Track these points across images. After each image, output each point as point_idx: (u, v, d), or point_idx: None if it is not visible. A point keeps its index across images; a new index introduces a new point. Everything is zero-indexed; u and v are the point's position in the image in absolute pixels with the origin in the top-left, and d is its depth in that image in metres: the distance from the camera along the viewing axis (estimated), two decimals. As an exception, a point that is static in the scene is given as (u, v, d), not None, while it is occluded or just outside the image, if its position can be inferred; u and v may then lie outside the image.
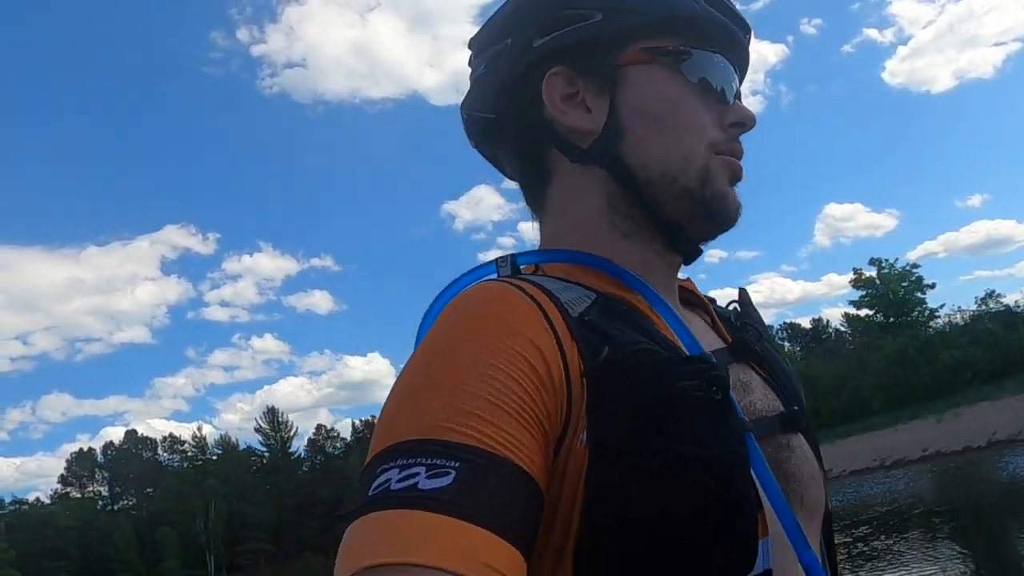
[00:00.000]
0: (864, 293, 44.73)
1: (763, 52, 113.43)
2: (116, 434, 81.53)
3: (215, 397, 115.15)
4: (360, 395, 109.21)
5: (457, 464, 0.51)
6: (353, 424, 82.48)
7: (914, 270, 44.11)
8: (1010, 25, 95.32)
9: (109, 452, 77.68)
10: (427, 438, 0.53)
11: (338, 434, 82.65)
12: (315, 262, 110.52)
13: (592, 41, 0.75)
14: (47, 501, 74.11)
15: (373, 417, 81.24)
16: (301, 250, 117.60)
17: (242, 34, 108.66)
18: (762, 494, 0.62)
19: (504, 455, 0.53)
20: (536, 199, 0.82)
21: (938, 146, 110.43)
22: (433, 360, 0.59)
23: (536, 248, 0.81)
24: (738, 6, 0.80)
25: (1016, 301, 47.59)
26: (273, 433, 77.42)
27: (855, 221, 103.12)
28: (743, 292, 0.88)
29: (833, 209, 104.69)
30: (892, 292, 43.22)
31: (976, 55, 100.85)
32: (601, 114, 0.75)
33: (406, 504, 0.50)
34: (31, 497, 77.91)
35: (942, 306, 46.00)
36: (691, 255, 0.79)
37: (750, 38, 0.82)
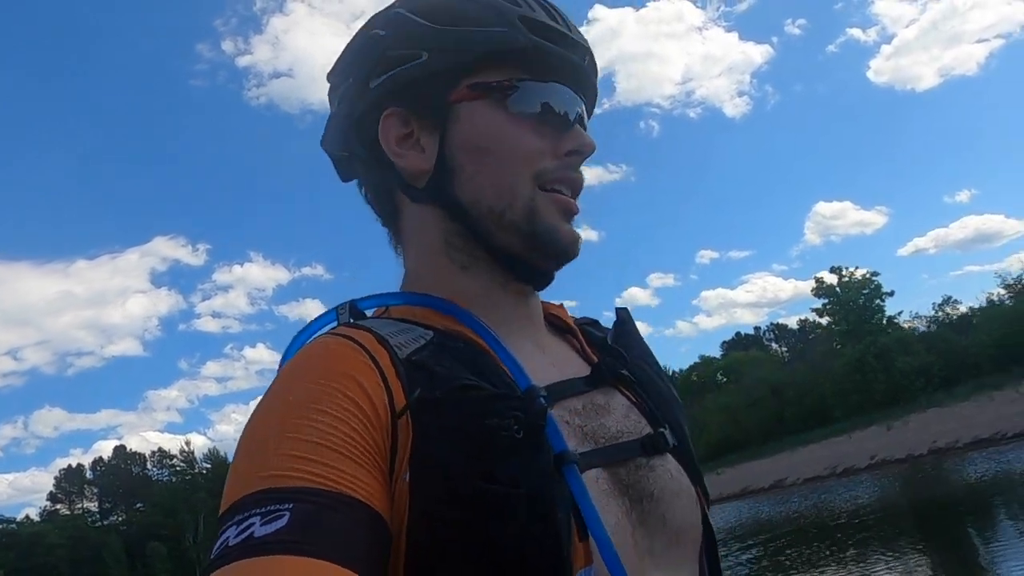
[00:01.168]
0: (826, 301, 45.98)
1: (748, 53, 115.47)
2: (109, 447, 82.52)
3: (209, 408, 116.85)
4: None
5: (290, 506, 0.53)
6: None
7: (873, 278, 45.45)
8: (993, 21, 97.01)
9: (98, 468, 78.74)
10: (258, 489, 0.55)
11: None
12: (306, 271, 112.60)
13: (421, 81, 0.76)
14: (36, 519, 75.22)
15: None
16: (292, 259, 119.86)
17: (227, 45, 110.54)
18: (589, 524, 0.64)
19: (338, 491, 0.56)
20: (393, 236, 0.85)
21: (925, 143, 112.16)
22: (263, 415, 0.62)
23: (399, 284, 0.83)
24: (575, 28, 0.80)
25: (972, 307, 48.89)
26: (262, 445, 78.61)
27: (845, 219, 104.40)
28: (620, 312, 0.91)
29: (822, 208, 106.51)
30: (852, 300, 44.45)
31: (960, 52, 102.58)
32: (433, 153, 0.77)
33: (243, 554, 0.51)
34: (25, 513, 79.09)
35: (900, 313, 47.45)
36: (539, 282, 0.81)
37: (591, 60, 0.82)
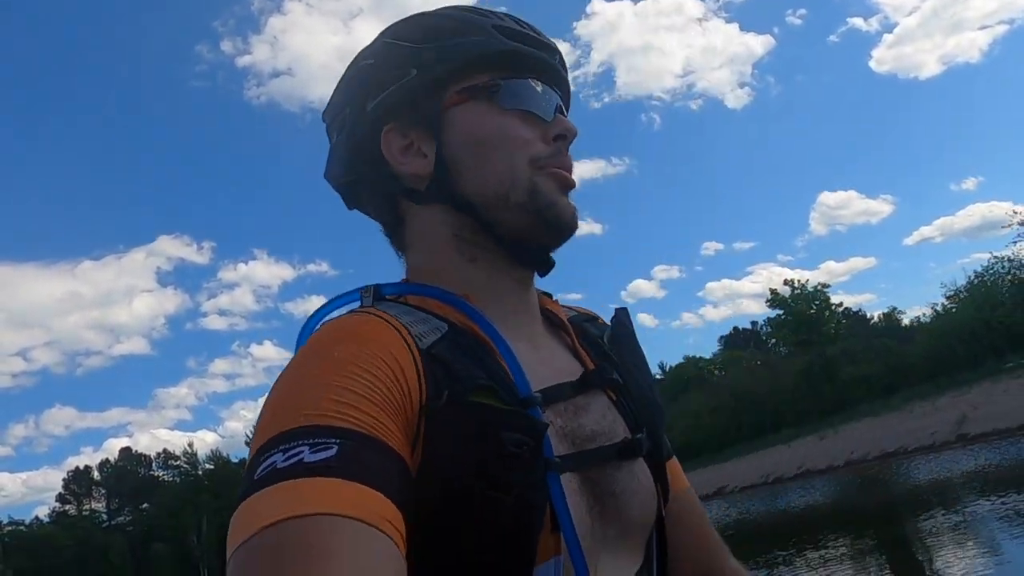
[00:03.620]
0: (780, 312, 48.64)
1: (749, 44, 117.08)
2: (120, 445, 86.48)
3: (218, 405, 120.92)
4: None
5: (338, 441, 0.60)
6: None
7: (824, 290, 48.10)
8: (995, 8, 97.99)
9: (106, 469, 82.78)
10: (306, 425, 0.62)
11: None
12: (311, 267, 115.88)
13: (413, 95, 0.87)
14: (46, 519, 79.36)
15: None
16: (296, 256, 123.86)
17: (226, 46, 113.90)
18: (561, 522, 0.74)
19: (377, 435, 0.63)
20: (397, 242, 0.95)
21: (930, 131, 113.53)
22: (305, 365, 0.70)
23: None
24: (541, 33, 0.92)
25: (917, 316, 51.05)
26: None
27: (850, 208, 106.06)
28: (619, 312, 0.99)
29: (827, 198, 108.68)
30: (803, 311, 47.06)
31: (963, 39, 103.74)
32: (432, 156, 0.87)
33: (295, 475, 0.57)
34: (37, 512, 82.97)
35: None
36: (543, 266, 0.91)
37: (560, 58, 0.93)
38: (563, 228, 0.88)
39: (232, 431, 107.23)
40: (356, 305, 0.86)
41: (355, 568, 0.54)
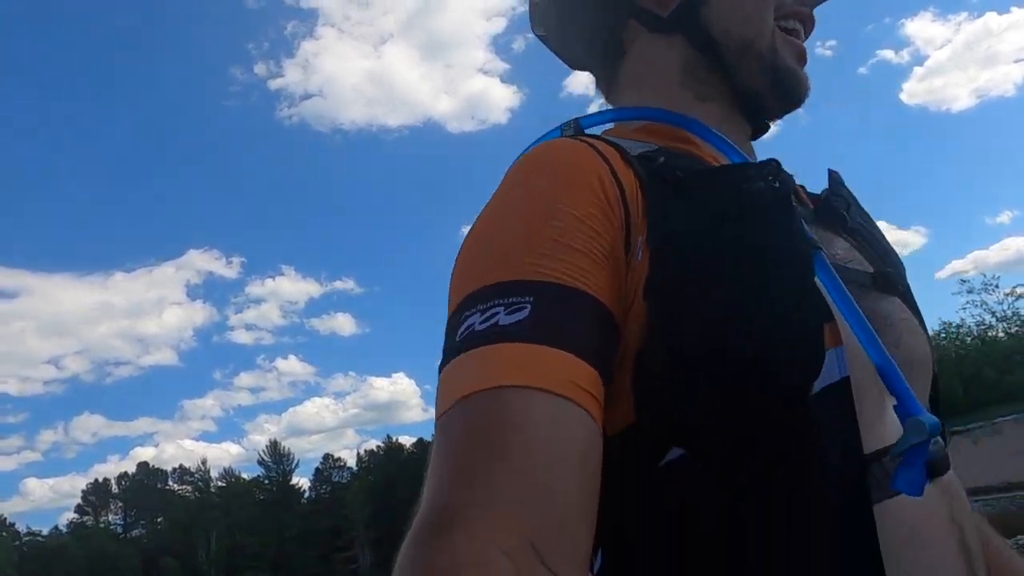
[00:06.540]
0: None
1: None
2: (146, 454, 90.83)
3: (242, 418, 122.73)
4: (387, 415, 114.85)
5: (531, 299, 0.58)
6: (358, 454, 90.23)
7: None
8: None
9: (123, 482, 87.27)
10: (502, 280, 0.60)
11: (345, 463, 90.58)
12: (337, 284, 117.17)
13: None
14: (64, 528, 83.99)
15: (380, 446, 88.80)
16: (323, 273, 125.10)
17: (260, 68, 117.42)
18: (833, 307, 0.63)
19: (574, 286, 0.59)
20: (608, 75, 0.87)
21: (963, 164, 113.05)
22: (499, 209, 0.67)
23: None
24: None
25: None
26: (275, 465, 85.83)
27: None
28: (833, 173, 0.87)
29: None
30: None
31: (996, 73, 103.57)
32: None
33: (490, 340, 0.56)
34: (63, 517, 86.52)
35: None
36: (762, 128, 0.83)
37: None
38: (795, 98, 0.82)
39: (255, 444, 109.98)
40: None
41: (539, 440, 0.52)
